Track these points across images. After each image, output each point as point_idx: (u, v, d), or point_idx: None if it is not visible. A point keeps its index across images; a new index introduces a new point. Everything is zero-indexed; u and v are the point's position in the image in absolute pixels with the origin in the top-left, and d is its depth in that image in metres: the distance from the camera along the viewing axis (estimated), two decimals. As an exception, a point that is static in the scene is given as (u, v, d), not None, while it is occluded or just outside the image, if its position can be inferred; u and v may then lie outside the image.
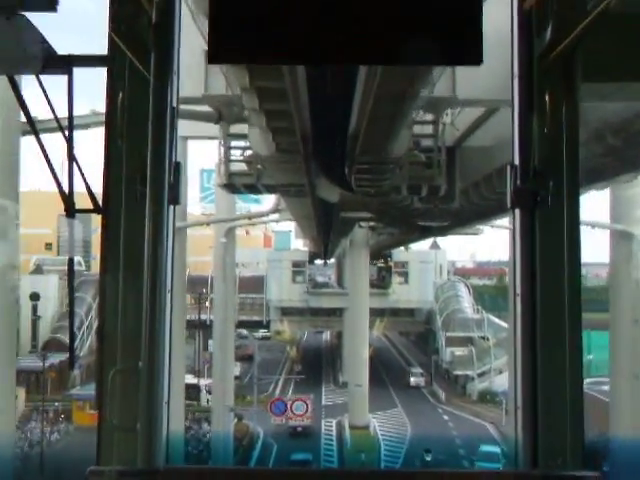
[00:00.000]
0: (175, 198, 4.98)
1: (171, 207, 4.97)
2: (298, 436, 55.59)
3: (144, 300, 4.79)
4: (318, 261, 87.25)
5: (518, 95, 4.94)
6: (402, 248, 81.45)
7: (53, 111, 4.76)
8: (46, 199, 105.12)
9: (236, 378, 76.91)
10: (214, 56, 4.40)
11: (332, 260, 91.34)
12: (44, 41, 4.58)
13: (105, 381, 4.82)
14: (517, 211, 4.89)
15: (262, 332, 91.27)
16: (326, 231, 42.35)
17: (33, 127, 4.87)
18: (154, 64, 4.83)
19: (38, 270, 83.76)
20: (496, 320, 78.27)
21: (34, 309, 77.29)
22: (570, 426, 4.77)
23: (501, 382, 69.65)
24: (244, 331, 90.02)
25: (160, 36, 4.84)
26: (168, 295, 4.95)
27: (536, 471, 4.71)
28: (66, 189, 4.73)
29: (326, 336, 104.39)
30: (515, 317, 4.92)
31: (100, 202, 4.93)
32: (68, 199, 4.75)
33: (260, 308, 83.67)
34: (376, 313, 77.43)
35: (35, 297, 77.64)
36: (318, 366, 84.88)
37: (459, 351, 75.52)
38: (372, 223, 45.77)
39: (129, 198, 4.91)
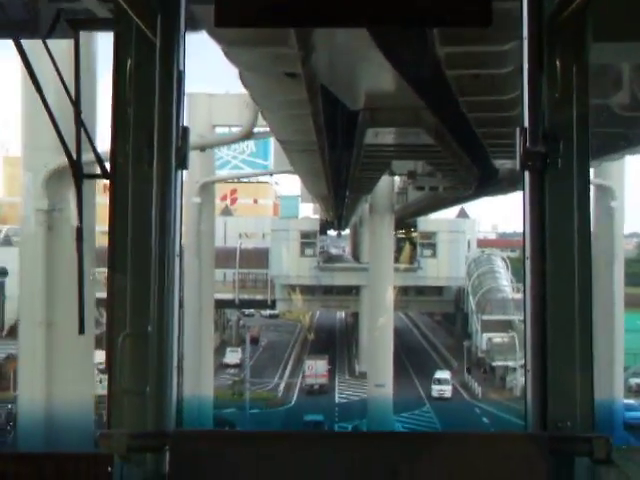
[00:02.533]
0: (183, 162, 4.90)
1: (179, 171, 4.90)
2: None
3: (152, 264, 4.75)
4: (331, 232, 73.41)
5: (528, 56, 4.79)
6: (428, 217, 67.28)
7: (60, 76, 4.89)
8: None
9: (236, 366, 64.78)
10: (221, 20, 4.35)
11: (347, 231, 77.98)
12: (50, 4, 4.73)
13: (115, 345, 4.74)
14: (527, 173, 4.78)
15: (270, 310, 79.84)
16: (342, 180, 27.58)
17: (40, 92, 4.99)
18: (160, 27, 4.78)
19: (7, 242, 69.52)
20: (542, 300, 63.69)
21: (1, 287, 63.46)
22: (580, 389, 4.70)
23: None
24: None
25: None
26: (177, 259, 4.86)
27: (545, 433, 4.65)
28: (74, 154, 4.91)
29: (341, 314, 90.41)
30: (525, 280, 4.84)
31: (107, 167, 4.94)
32: (76, 164, 4.91)
33: (264, 285, 70.16)
34: (398, 292, 63.08)
35: (2, 273, 63.86)
36: (331, 351, 70.92)
37: (498, 337, 61.08)
38: (410, 168, 30.71)
39: (137, 163, 4.83)
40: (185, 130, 4.92)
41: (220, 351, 66.61)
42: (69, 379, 21.91)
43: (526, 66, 4.78)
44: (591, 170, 4.88)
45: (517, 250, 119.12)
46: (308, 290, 69.04)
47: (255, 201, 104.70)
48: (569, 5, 4.52)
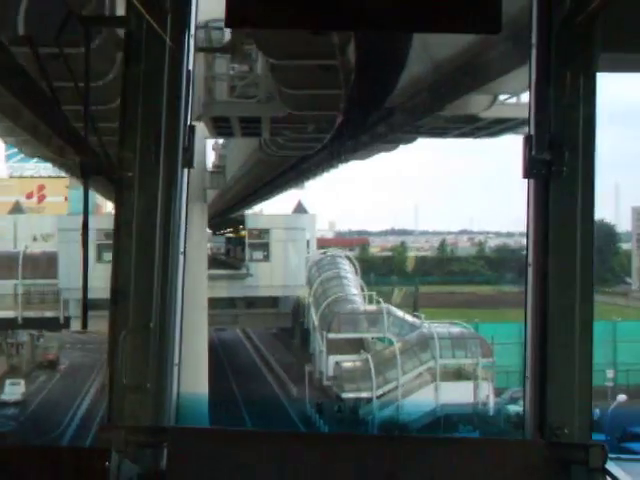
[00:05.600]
0: (189, 161, 4.86)
1: (185, 170, 4.88)
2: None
3: (156, 261, 4.72)
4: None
5: (535, 64, 4.71)
6: (259, 209, 52.68)
7: (71, 73, 4.61)
8: None
9: (17, 404, 48.69)
10: (232, 20, 4.20)
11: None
12: (62, 2, 4.50)
13: (117, 340, 4.68)
14: (531, 181, 4.73)
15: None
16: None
17: (51, 88, 4.78)
18: (170, 26, 4.70)
19: None
20: (399, 313, 49.34)
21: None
22: (578, 397, 4.61)
23: (417, 407, 43.32)
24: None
25: None
26: (181, 257, 4.86)
27: (542, 440, 4.55)
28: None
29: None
30: (527, 287, 4.78)
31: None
32: (82, 160, 4.69)
33: (55, 300, 53.33)
34: (223, 304, 47.84)
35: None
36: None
37: (348, 361, 46.35)
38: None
39: (143, 160, 4.74)
40: (192, 129, 4.81)
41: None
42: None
43: (533, 73, 4.67)
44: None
45: (356, 249, 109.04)
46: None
47: (66, 198, 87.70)
48: (579, 14, 4.39)
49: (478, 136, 25.36)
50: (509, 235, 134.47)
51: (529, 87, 4.67)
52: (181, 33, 4.70)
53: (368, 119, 16.52)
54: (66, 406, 50.22)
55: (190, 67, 4.77)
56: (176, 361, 4.81)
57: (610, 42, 4.60)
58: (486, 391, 45.02)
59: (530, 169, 4.61)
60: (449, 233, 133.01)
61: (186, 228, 4.86)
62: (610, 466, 4.34)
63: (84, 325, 5.57)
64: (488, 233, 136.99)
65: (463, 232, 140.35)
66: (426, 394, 44.85)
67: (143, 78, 4.69)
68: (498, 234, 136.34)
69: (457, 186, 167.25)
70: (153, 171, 4.69)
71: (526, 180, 4.69)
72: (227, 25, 4.42)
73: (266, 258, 52.30)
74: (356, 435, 4.82)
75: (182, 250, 4.84)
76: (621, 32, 4.64)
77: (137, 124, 4.71)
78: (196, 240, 36.67)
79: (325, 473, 4.34)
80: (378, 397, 44.94)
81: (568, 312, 4.56)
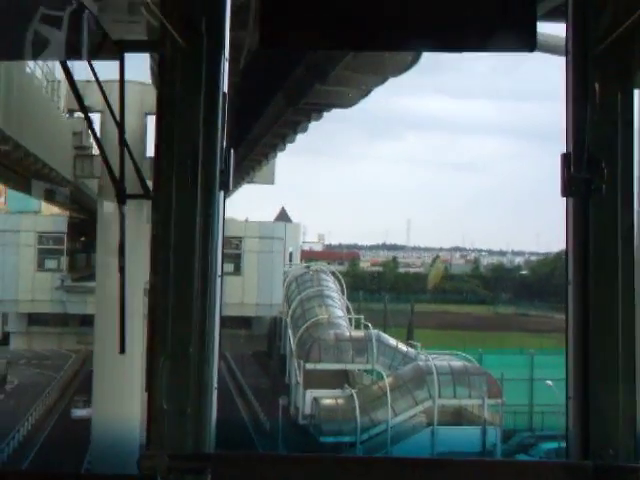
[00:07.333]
0: (226, 184, 4.70)
1: (221, 193, 4.72)
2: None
3: (195, 285, 4.56)
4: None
5: (572, 80, 4.57)
6: (231, 216, 44.63)
7: (105, 97, 4.56)
8: None
9: None
10: (266, 40, 4.21)
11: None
12: (97, 25, 4.35)
13: (155, 365, 4.50)
14: (570, 200, 4.63)
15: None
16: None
17: (85, 113, 4.95)
18: (206, 49, 4.63)
19: None
20: (390, 340, 41.36)
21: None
22: (622, 417, 4.42)
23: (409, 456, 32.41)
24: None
25: (211, 21, 4.64)
26: (218, 280, 4.67)
27: (587, 462, 4.38)
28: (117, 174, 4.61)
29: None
30: (567, 306, 4.64)
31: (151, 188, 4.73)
32: (119, 184, 4.55)
33: (-10, 313, 46.03)
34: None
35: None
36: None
37: (329, 397, 38.45)
38: None
39: (180, 184, 4.59)
40: (229, 152, 4.65)
41: None
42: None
43: (570, 90, 4.53)
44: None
45: (345, 263, 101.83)
46: (57, 320, 45.27)
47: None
48: (616, 29, 4.27)
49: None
50: (502, 253, 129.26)
51: (565, 104, 4.54)
52: (216, 56, 4.62)
53: None
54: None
55: (225, 90, 4.66)
56: (215, 385, 4.57)
57: None
58: (493, 438, 37.17)
59: (569, 187, 4.52)
60: (441, 249, 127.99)
61: (223, 251, 4.64)
62: None
63: (122, 349, 4.81)
64: (481, 251, 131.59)
65: (456, 249, 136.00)
66: (421, 440, 37.16)
67: (179, 102, 4.56)
68: (491, 252, 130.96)
69: (450, 202, 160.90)
70: (190, 195, 4.49)
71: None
72: (261, 45, 3.69)
73: (237, 271, 44.56)
74: (409, 458, 4.04)
75: (220, 273, 4.59)
76: None
77: (173, 147, 4.51)
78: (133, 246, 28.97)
79: None
80: (363, 442, 37.16)
81: (610, 331, 4.39)
